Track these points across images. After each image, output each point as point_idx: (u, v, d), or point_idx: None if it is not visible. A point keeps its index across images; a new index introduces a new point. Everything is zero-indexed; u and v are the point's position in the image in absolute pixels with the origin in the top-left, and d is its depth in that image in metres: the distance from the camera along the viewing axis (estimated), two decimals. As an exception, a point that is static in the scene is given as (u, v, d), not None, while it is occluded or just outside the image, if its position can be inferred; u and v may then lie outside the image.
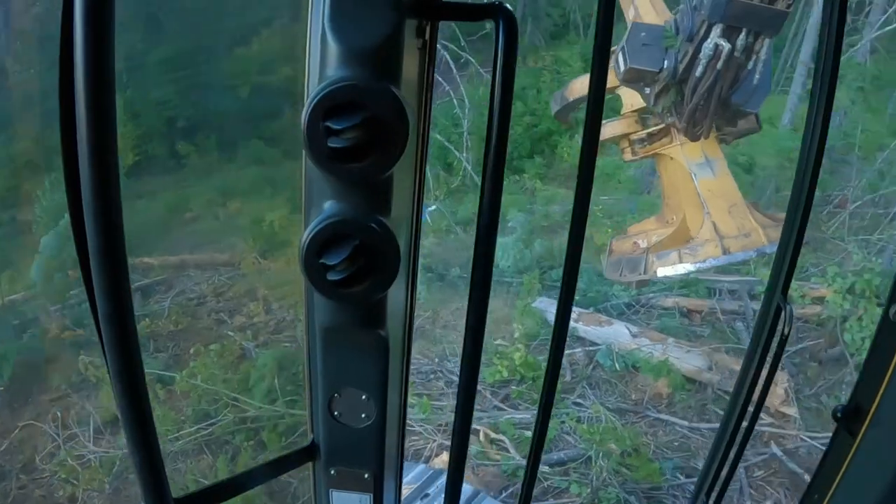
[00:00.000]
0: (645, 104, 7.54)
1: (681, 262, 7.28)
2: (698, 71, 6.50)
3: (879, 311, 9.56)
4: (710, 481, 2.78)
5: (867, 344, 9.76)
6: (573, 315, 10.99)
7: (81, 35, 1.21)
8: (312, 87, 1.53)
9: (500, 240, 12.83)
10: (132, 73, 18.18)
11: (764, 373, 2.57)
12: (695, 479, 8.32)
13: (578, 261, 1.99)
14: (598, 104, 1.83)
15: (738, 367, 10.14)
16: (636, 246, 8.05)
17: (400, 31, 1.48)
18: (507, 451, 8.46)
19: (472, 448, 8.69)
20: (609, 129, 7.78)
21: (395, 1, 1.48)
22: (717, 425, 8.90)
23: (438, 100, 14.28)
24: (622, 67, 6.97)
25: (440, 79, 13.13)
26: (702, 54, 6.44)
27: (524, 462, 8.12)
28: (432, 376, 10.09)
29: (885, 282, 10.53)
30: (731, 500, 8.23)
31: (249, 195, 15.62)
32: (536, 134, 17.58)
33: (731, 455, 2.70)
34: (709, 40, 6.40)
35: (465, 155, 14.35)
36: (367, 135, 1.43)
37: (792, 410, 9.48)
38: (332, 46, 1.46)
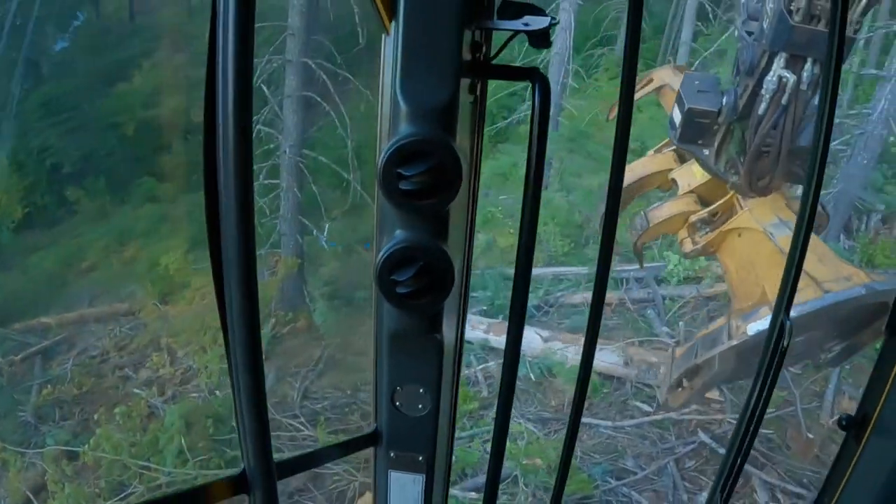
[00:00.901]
0: (703, 179, 7.14)
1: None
2: (761, 108, 6.03)
3: None
4: (724, 480, 2.97)
5: None
6: (482, 327, 11.00)
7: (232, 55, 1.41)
8: (383, 139, 1.80)
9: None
10: (10, 121, 17.48)
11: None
12: (626, 480, 8.35)
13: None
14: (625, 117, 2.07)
15: (654, 358, 10.28)
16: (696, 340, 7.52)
17: (457, 91, 1.69)
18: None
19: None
20: (665, 210, 7.29)
21: (455, 66, 1.69)
22: (641, 420, 9.01)
23: (321, 120, 14.12)
24: (679, 117, 6.66)
25: (318, 98, 12.96)
26: (764, 89, 5.98)
27: (450, 492, 8.03)
28: (347, 409, 9.86)
29: None
30: (667, 496, 8.29)
31: (147, 236, 15.18)
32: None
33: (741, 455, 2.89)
34: (771, 73, 5.94)
35: (352, 175, 14.21)
36: (430, 179, 1.66)
37: (716, 394, 9.64)
38: (403, 106, 1.67)
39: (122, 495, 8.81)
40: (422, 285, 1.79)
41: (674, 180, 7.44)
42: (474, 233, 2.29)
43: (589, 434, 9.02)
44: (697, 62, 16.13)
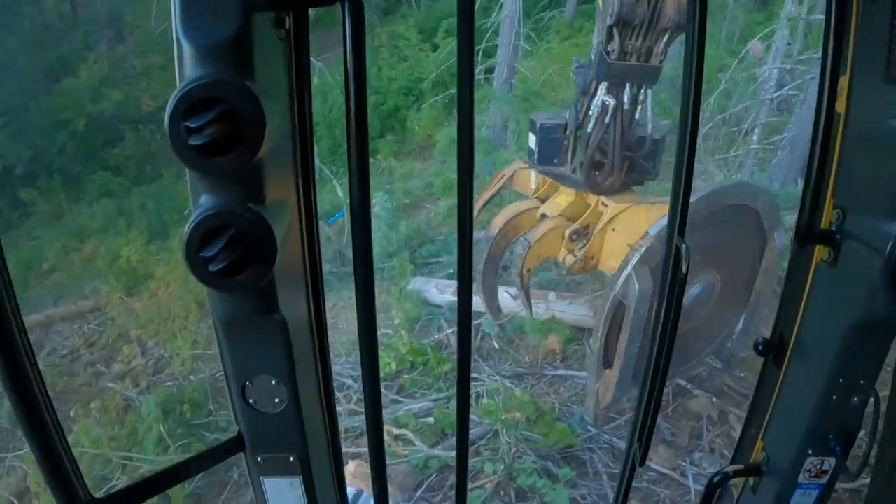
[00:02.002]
0: (567, 205, 7.94)
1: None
2: (589, 126, 7.23)
3: None
4: (639, 429, 2.79)
5: None
6: (451, 290, 11.01)
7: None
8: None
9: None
10: (-47, 127, 17.10)
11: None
12: (606, 427, 8.49)
13: (471, 244, 2.14)
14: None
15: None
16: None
17: (249, 25, 1.55)
18: (414, 444, 8.36)
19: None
20: (541, 228, 7.93)
21: None
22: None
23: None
24: (534, 140, 7.79)
25: None
26: (591, 111, 7.17)
27: (432, 453, 8.11)
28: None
29: None
30: (655, 441, 8.43)
31: (105, 232, 15.00)
32: (384, 112, 17.53)
33: (654, 399, 2.73)
34: (596, 97, 7.12)
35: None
36: (224, 129, 1.48)
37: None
38: (186, 48, 1.53)
39: (106, 488, 8.78)
40: (236, 257, 1.61)
41: (543, 215, 8.04)
42: (315, 192, 2.08)
43: (565, 386, 9.14)
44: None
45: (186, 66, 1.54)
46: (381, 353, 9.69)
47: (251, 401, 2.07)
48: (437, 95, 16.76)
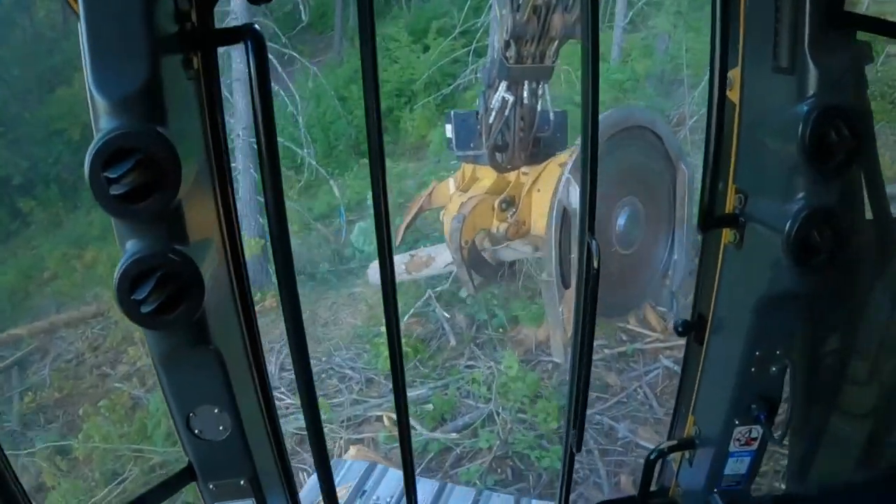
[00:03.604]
0: (489, 183, 8.83)
1: None
2: (491, 118, 8.06)
3: None
4: (573, 415, 2.92)
5: None
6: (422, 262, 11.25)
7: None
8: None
9: (362, 225, 12.95)
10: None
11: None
12: (594, 409, 8.76)
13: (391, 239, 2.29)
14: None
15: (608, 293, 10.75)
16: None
17: (157, 69, 1.60)
18: (414, 429, 8.67)
19: (380, 434, 8.87)
20: (472, 200, 8.68)
21: (149, 42, 1.59)
22: (606, 353, 9.42)
23: None
24: (451, 130, 8.56)
25: None
26: (493, 105, 8.03)
27: (430, 436, 8.40)
28: (324, 375, 10.11)
29: None
30: (647, 420, 8.73)
31: (103, 238, 15.12)
32: (378, 114, 17.59)
33: (582, 388, 2.85)
34: (497, 93, 7.97)
35: (307, 150, 14.32)
36: (142, 176, 1.54)
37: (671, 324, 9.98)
38: (99, 100, 1.57)
39: (117, 481, 9.02)
40: (168, 297, 1.67)
41: (472, 198, 8.89)
42: (238, 224, 2.13)
43: (560, 371, 9.43)
44: (632, 13, 16.40)
45: (101, 118, 1.59)
46: (381, 348, 10.02)
47: (197, 430, 2.11)
48: (429, 96, 16.88)
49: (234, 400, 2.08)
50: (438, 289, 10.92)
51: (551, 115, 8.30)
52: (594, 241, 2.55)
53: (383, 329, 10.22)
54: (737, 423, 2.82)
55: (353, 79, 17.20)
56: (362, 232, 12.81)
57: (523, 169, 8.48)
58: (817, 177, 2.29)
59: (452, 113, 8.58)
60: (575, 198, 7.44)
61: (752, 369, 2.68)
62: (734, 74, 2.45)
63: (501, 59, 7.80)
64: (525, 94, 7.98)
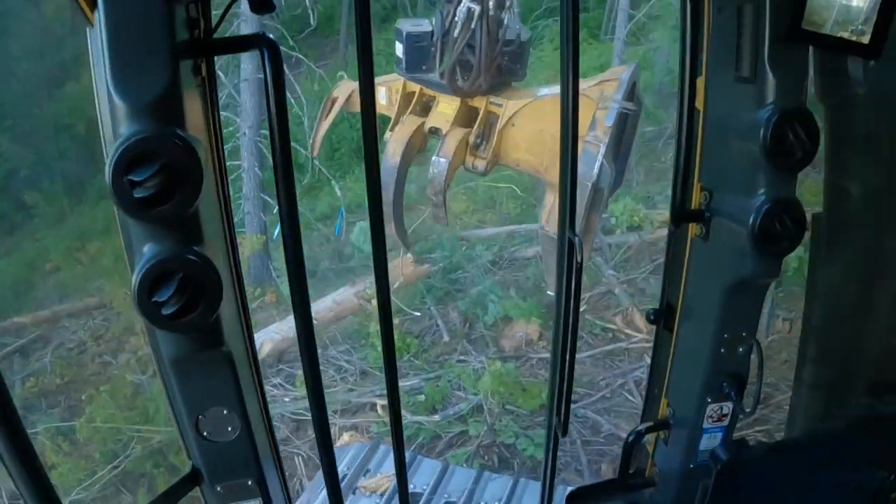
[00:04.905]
0: (454, 112, 7.78)
1: (607, 108, 7.13)
2: (456, 31, 7.08)
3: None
4: (556, 404, 3.08)
5: None
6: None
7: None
8: (109, 145, 1.67)
9: (362, 225, 13.21)
10: (-42, 130, 17.33)
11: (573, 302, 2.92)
12: (579, 403, 9.05)
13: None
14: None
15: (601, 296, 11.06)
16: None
17: (177, 76, 1.63)
18: (405, 417, 8.95)
19: (372, 423, 9.15)
20: (449, 145, 7.81)
21: (169, 50, 1.61)
22: (593, 352, 9.69)
23: None
24: (401, 48, 7.52)
25: None
26: (457, 17, 7.02)
27: (420, 421, 8.65)
28: (321, 367, 10.39)
29: None
30: (630, 415, 8.98)
31: (107, 232, 15.24)
32: (379, 118, 17.73)
33: (566, 376, 3.02)
34: (462, 4, 7.00)
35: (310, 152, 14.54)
36: (166, 179, 1.58)
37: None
38: (119, 104, 1.59)
39: (117, 460, 9.23)
40: (188, 299, 1.69)
41: (432, 129, 7.84)
42: (233, 227, 2.17)
43: (547, 367, 9.71)
44: (631, 24, 16.61)
45: (121, 122, 1.61)
46: (375, 342, 10.28)
47: (205, 433, 2.12)
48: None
49: (242, 400, 2.11)
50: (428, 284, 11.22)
51: (518, 32, 7.33)
52: (577, 238, 2.73)
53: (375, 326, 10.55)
54: (709, 400, 3.03)
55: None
56: (362, 232, 13.04)
57: (491, 98, 7.63)
58: (777, 173, 2.54)
59: (404, 31, 7.51)
60: (606, 175, 6.94)
61: (722, 350, 2.91)
62: (699, 83, 2.70)
63: None
64: (491, 4, 7.06)
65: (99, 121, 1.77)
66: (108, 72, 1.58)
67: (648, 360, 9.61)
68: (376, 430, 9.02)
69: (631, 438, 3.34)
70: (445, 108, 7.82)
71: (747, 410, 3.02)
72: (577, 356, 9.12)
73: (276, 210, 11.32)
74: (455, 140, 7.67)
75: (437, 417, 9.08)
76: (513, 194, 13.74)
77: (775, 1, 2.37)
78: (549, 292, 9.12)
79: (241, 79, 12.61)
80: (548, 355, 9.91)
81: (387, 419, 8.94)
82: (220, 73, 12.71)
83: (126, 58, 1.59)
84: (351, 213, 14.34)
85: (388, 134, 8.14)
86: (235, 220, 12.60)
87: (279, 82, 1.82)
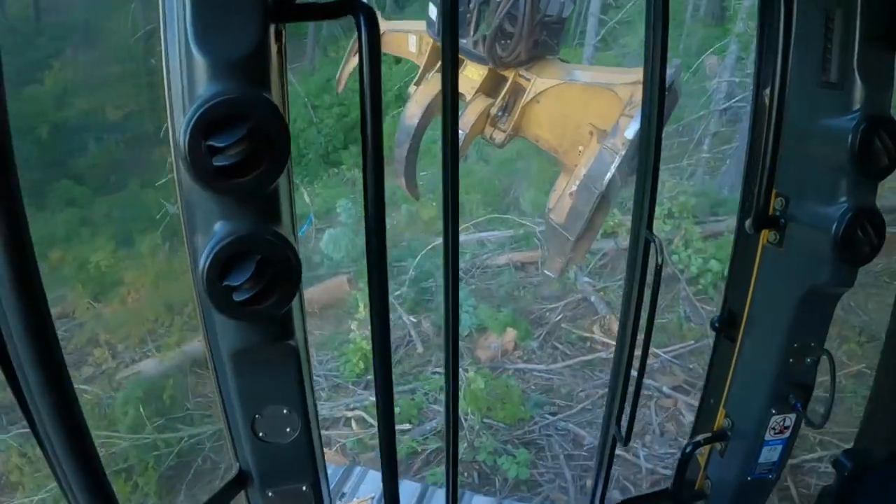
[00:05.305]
0: (480, 79, 7.46)
1: (632, 116, 6.68)
2: None
3: (698, 228, 10.48)
4: (616, 411, 3.08)
5: (694, 259, 10.82)
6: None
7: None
8: (178, 108, 1.49)
9: (332, 232, 13.04)
10: None
11: (646, 303, 2.91)
12: (559, 416, 8.95)
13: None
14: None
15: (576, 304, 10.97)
16: (576, 190, 7.30)
17: (267, 36, 1.47)
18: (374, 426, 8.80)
19: (349, 438, 8.97)
20: (469, 116, 7.52)
21: (261, 6, 1.45)
22: (571, 362, 9.59)
23: None
24: (435, 12, 7.24)
25: None
26: None
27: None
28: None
29: (700, 200, 11.49)
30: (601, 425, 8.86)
31: (69, 240, 14.93)
32: (348, 124, 17.68)
33: (632, 384, 3.03)
34: None
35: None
36: (252, 147, 1.41)
37: (640, 336, 10.09)
38: (200, 61, 1.42)
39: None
40: (264, 285, 1.53)
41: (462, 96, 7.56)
42: (295, 211, 1.98)
43: (524, 378, 9.61)
44: (604, 31, 16.63)
45: (199, 81, 1.44)
46: (348, 354, 10.13)
47: (261, 434, 1.96)
48: (400, 107, 16.89)
49: (304, 399, 1.95)
50: (399, 292, 11.06)
51: (563, 3, 6.85)
52: (656, 238, 2.70)
53: (351, 336, 10.38)
54: (773, 412, 2.98)
55: (325, 87, 17.31)
56: (332, 239, 12.87)
57: (521, 70, 7.29)
58: (861, 181, 2.50)
59: None
60: (615, 184, 6.67)
61: (790, 360, 2.85)
62: (770, 89, 2.59)
63: None
64: None
65: (165, 85, 1.52)
66: (189, 24, 1.41)
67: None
68: (351, 446, 8.81)
69: (688, 449, 3.27)
70: (473, 74, 7.52)
71: (817, 423, 2.95)
72: (554, 366, 9.08)
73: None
74: (475, 113, 7.44)
75: (413, 432, 8.86)
76: (483, 201, 13.62)
77: (868, 5, 2.33)
78: (546, 272, 9.15)
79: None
80: (525, 366, 9.86)
81: (363, 435, 8.80)
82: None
83: (211, 8, 1.42)
84: (319, 219, 14.17)
85: (412, 88, 8.00)
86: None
87: (375, 56, 1.64)
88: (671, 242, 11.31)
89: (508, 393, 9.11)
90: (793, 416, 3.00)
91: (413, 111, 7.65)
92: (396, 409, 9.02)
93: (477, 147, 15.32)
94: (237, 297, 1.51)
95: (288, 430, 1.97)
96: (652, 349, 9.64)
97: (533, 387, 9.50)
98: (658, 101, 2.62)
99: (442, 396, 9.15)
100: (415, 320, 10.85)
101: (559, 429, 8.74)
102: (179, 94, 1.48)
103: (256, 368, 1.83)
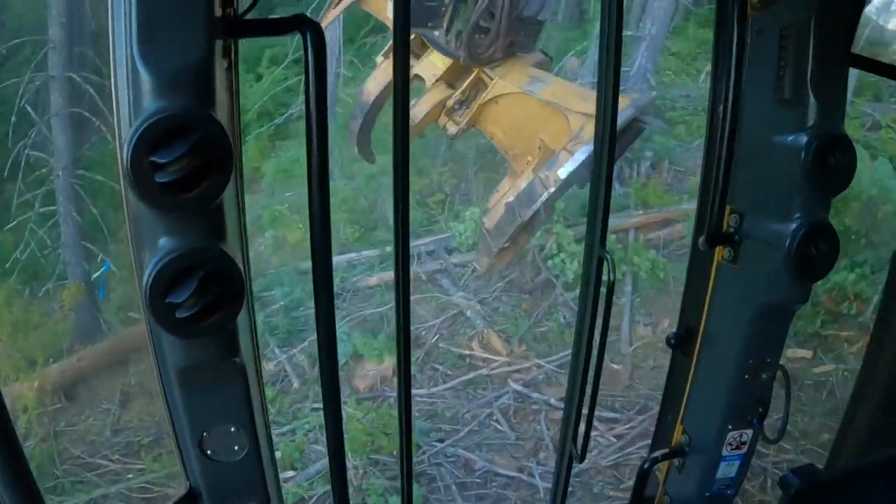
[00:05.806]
0: (445, 67, 7.32)
1: (573, 153, 6.69)
2: None
3: (570, 231, 10.58)
4: (572, 429, 3.06)
5: (569, 264, 10.92)
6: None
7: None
8: (125, 122, 1.47)
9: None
10: None
11: (599, 320, 2.91)
12: (447, 441, 8.87)
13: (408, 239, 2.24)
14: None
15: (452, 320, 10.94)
16: (509, 204, 7.32)
17: (212, 52, 1.48)
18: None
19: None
20: (423, 106, 7.38)
21: (206, 22, 1.45)
22: (452, 383, 9.55)
23: (93, 137, 13.18)
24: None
25: (88, 114, 12.07)
26: None
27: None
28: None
29: (570, 203, 11.60)
30: (503, 447, 8.94)
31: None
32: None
33: (588, 401, 3.00)
34: None
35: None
36: (196, 162, 1.41)
37: (521, 348, 10.30)
38: (145, 77, 1.42)
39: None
40: (208, 301, 1.53)
41: (416, 76, 7.43)
42: (246, 226, 1.99)
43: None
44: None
45: (144, 96, 1.44)
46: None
47: (209, 452, 1.93)
48: (261, 126, 16.48)
49: (252, 417, 1.93)
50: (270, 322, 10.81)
51: (542, 6, 6.79)
52: (608, 256, 2.77)
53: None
54: (730, 427, 3.02)
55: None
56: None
57: (486, 68, 7.19)
58: (815, 197, 2.56)
59: None
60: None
61: (746, 377, 2.90)
62: (724, 106, 2.63)
63: None
64: None
65: (114, 98, 1.50)
66: (135, 39, 1.41)
67: (513, 386, 9.68)
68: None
69: (646, 466, 3.29)
70: (438, 60, 7.38)
71: (773, 438, 3.04)
72: (435, 389, 9.01)
73: (99, 258, 10.34)
74: (431, 103, 7.34)
75: (299, 478, 8.56)
76: (350, 219, 13.37)
77: (821, 25, 2.38)
78: (475, 265, 9.27)
79: (52, 114, 11.50)
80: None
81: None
82: (27, 107, 11.60)
83: (157, 24, 1.41)
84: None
85: (379, 58, 7.87)
86: (56, 270, 11.68)
87: (321, 73, 1.65)
88: (542, 249, 11.37)
89: (392, 423, 8.96)
90: (749, 432, 3.06)
91: (370, 89, 7.62)
92: (277, 454, 8.77)
93: (339, 164, 15.08)
94: (179, 315, 1.52)
95: (236, 448, 1.95)
96: (535, 360, 9.87)
97: (417, 413, 9.35)
98: (610, 125, 2.66)
99: (322, 435, 8.98)
100: (288, 354, 10.51)
101: (448, 455, 8.66)
102: (126, 109, 1.48)
103: (203, 386, 1.81)
